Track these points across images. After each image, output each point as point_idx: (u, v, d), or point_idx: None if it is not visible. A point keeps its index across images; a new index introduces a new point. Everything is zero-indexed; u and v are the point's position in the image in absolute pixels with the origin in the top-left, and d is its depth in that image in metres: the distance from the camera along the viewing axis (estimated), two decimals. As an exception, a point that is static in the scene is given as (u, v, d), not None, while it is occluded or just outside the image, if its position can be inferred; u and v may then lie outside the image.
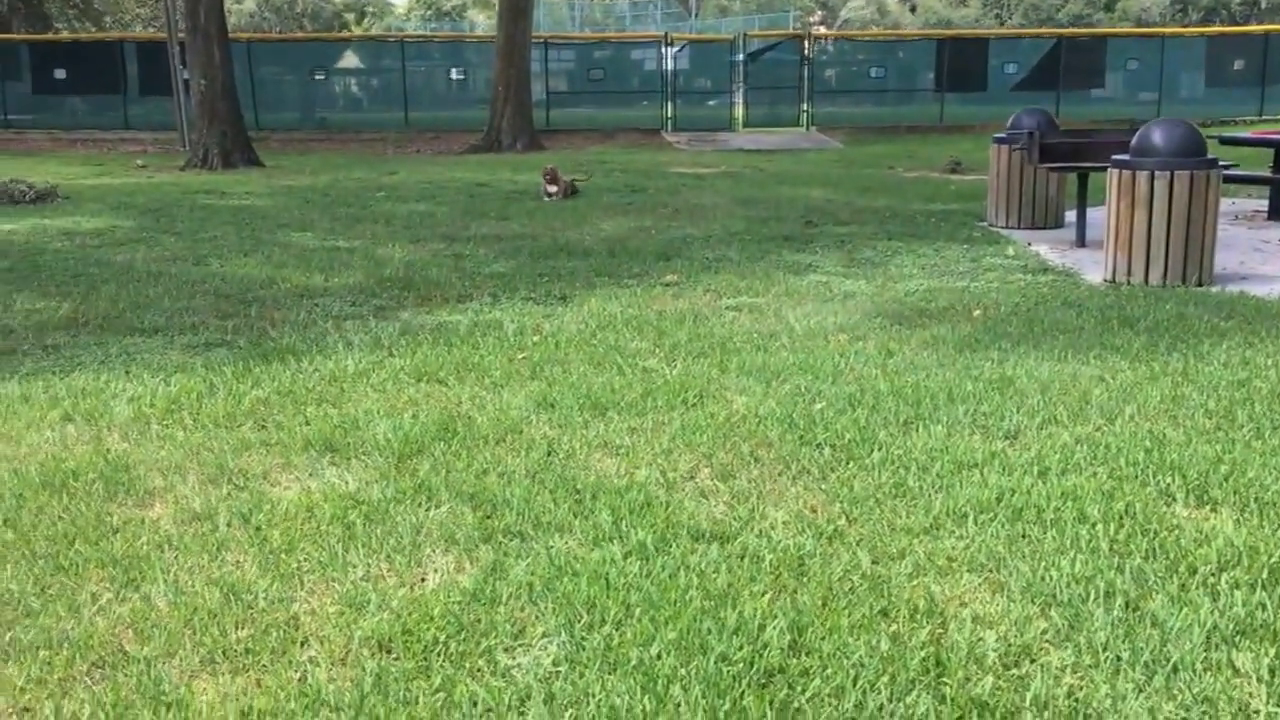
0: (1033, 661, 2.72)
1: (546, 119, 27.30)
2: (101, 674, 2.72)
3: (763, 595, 3.05)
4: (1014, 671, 2.68)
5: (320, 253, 9.50)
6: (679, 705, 2.52)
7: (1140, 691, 2.59)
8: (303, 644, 2.86)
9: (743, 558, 3.30)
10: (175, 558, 3.37)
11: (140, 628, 2.94)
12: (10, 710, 2.56)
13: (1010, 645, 2.79)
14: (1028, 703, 2.54)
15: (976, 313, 6.69)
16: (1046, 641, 2.82)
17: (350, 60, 31.97)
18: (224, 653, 2.81)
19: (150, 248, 9.76)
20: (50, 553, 3.39)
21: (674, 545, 3.39)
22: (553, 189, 13.21)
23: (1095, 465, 4.02)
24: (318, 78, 29.31)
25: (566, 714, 2.51)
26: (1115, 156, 7.83)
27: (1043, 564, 3.22)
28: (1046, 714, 2.49)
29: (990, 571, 3.21)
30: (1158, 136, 7.62)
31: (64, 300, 7.45)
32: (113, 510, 3.74)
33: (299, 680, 2.67)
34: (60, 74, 27.31)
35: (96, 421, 4.72)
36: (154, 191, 14.70)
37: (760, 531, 3.51)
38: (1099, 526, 3.47)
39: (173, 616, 2.99)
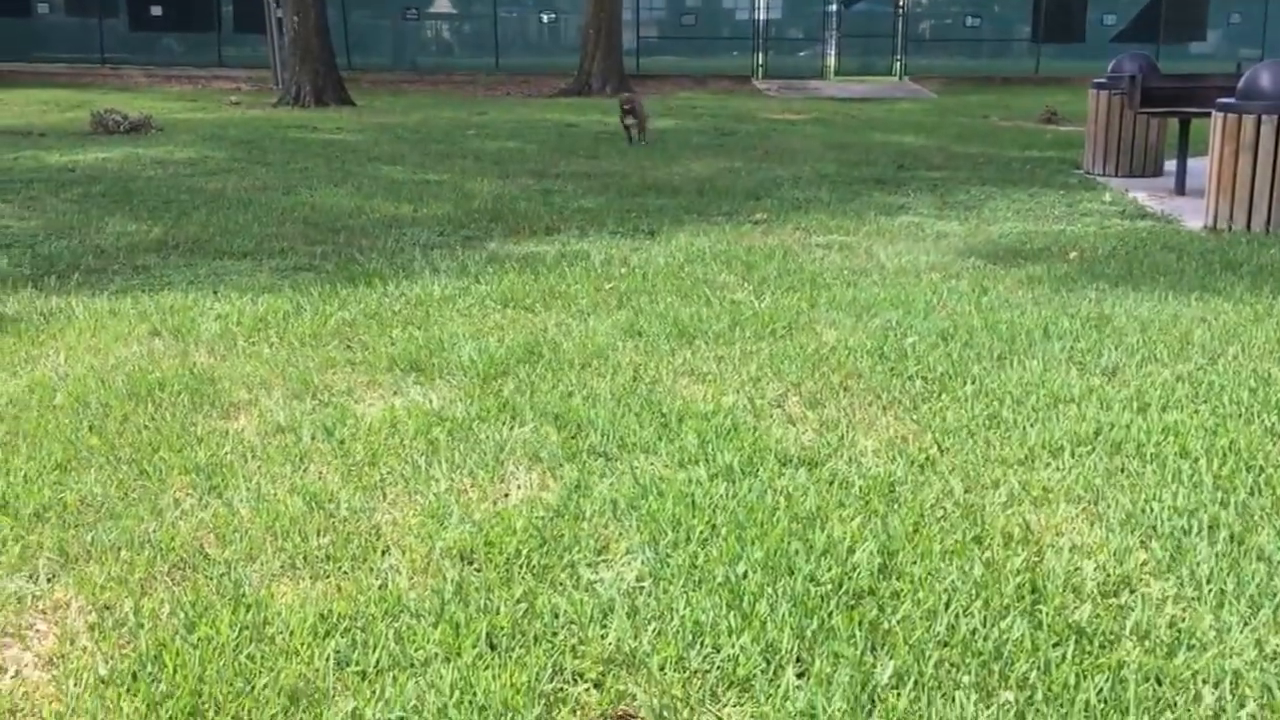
0: (1132, 591, 2.59)
1: (636, 65, 26.99)
2: (182, 575, 2.72)
3: (852, 519, 2.95)
4: (1113, 600, 2.54)
5: (409, 185, 9.49)
6: (765, 622, 2.44)
7: (1245, 624, 2.44)
8: (384, 553, 2.83)
9: (831, 483, 3.20)
10: (258, 467, 3.37)
11: (222, 532, 2.93)
12: (90, 607, 2.56)
13: (1109, 575, 2.65)
14: (1128, 631, 2.41)
15: (1073, 255, 6.44)
16: (1147, 572, 2.68)
17: (442, 4, 31.93)
18: (305, 559, 2.79)
19: (241, 177, 9.84)
20: (134, 459, 3.41)
21: (761, 468, 3.29)
22: (630, 120, 12.87)
23: (1197, 402, 3.83)
24: (410, 20, 29.31)
25: (650, 627, 2.44)
26: (1221, 100, 7.45)
27: (1143, 496, 3.07)
28: (1147, 643, 2.36)
29: (1088, 503, 3.06)
30: (1266, 79, 7.23)
31: (155, 224, 7.53)
32: (197, 421, 3.75)
33: (379, 587, 2.64)
34: (156, 11, 27.64)
35: (184, 337, 4.75)
36: (246, 125, 14.84)
37: (850, 458, 3.40)
38: (1201, 461, 3.30)
39: (254, 523, 2.98)
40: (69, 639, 2.42)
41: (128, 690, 2.21)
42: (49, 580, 2.68)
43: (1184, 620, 2.46)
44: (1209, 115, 7.54)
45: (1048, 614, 2.46)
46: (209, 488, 3.20)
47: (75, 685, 2.24)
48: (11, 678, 2.29)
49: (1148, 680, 2.22)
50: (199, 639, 2.37)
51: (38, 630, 2.48)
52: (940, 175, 10.29)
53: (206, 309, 5.22)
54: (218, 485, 3.22)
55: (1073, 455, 3.36)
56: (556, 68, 26.67)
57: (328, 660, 2.29)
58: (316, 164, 10.81)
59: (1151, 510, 2.97)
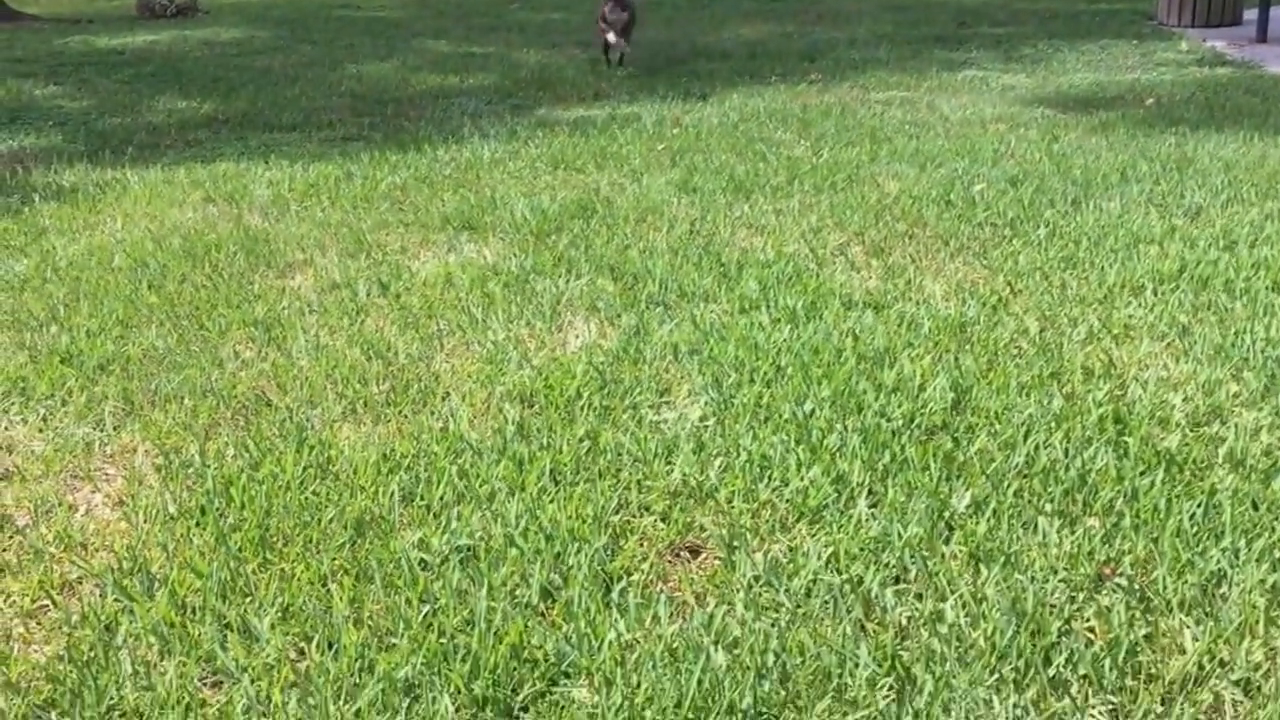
0: (1224, 422, 2.48)
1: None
2: (245, 420, 2.70)
3: (922, 358, 2.85)
4: (1204, 430, 2.44)
5: (455, 58, 9.30)
6: (835, 456, 2.37)
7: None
8: (444, 397, 2.79)
9: (900, 324, 3.09)
10: (316, 320, 3.33)
11: (282, 381, 2.90)
12: (156, 451, 2.55)
13: (1198, 406, 2.54)
14: (1220, 459, 2.31)
15: (1149, 101, 6.16)
16: (1240, 403, 2.56)
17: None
18: (365, 403, 2.76)
19: (287, 55, 9.70)
20: (194, 315, 3.38)
21: (825, 312, 3.19)
22: (611, 37, 8.42)
23: (1290, 240, 3.65)
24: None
25: (716, 463, 2.38)
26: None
27: (1233, 330, 2.93)
28: (1241, 470, 2.26)
29: (1174, 338, 2.93)
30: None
31: (205, 101, 7.45)
32: (254, 279, 3.72)
33: (441, 428, 2.60)
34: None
35: (237, 203, 4.70)
36: (290, 6, 14.61)
37: (917, 301, 3.29)
38: (1298, 296, 3.15)
39: (314, 371, 2.95)
40: (137, 480, 2.41)
41: (196, 524, 2.20)
42: (115, 428, 2.67)
43: None
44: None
45: (1134, 444, 2.36)
46: (268, 340, 3.17)
47: (145, 521, 2.24)
48: (83, 515, 2.30)
49: (1243, 505, 2.13)
50: (264, 476, 2.35)
51: (106, 474, 2.48)
52: (1004, 31, 9.89)
53: (258, 176, 5.16)
54: (276, 338, 3.19)
55: (1155, 293, 3.22)
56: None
57: (392, 495, 2.26)
58: (361, 40, 10.63)
59: (1243, 343, 2.84)
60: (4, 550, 2.17)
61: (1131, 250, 3.59)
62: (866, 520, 2.15)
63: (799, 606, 1.90)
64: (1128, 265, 3.45)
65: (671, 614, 1.90)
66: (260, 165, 5.42)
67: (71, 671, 1.78)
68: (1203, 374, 2.70)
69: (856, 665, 1.74)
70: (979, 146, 5.14)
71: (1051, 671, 1.73)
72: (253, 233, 4.22)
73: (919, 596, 1.93)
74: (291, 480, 2.33)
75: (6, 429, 2.69)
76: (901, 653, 1.78)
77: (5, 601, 2.01)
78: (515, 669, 1.76)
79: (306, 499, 2.26)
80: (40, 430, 2.68)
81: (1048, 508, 2.16)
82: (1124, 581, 1.93)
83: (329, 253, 3.97)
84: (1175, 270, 3.37)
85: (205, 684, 1.78)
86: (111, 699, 1.72)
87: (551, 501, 2.23)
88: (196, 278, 3.73)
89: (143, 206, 4.69)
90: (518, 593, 1.95)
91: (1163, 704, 1.67)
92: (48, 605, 1.99)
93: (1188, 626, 1.82)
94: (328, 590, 1.97)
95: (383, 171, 5.17)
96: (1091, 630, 1.83)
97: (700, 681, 1.71)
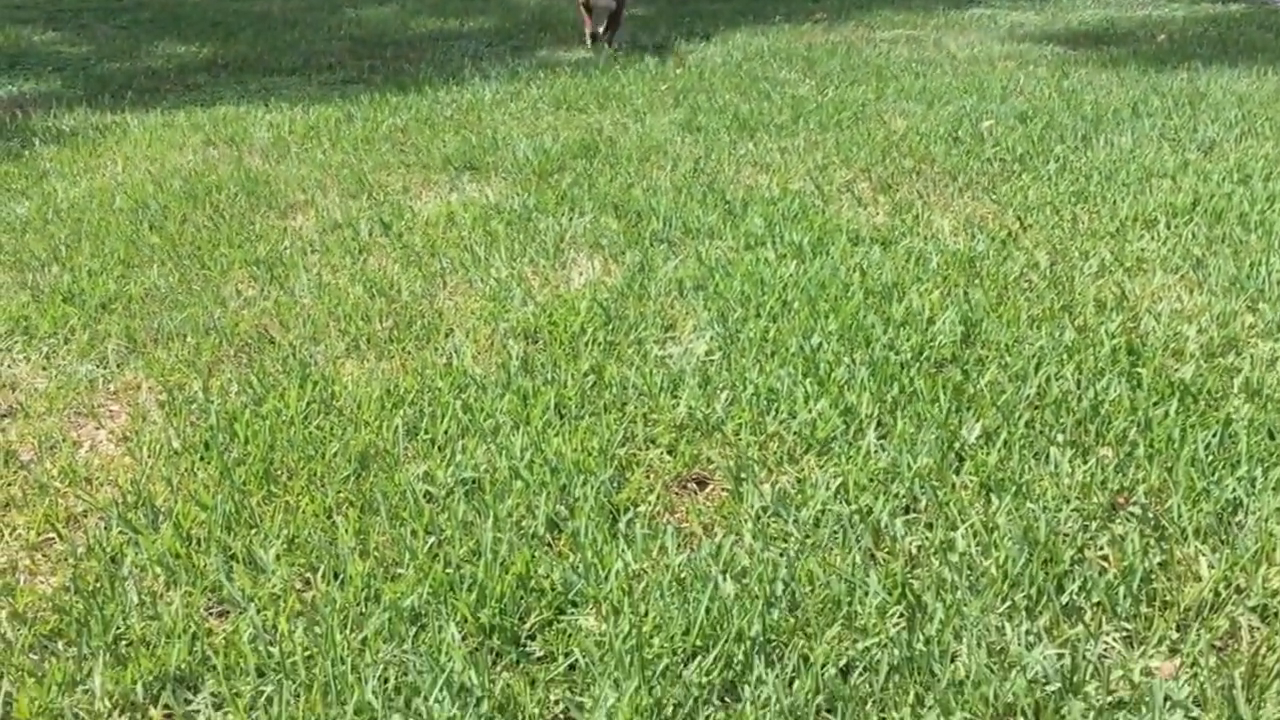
0: (1239, 353, 2.44)
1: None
2: (248, 357, 2.67)
3: (931, 292, 2.81)
4: (1219, 361, 2.40)
5: (454, 1, 9.17)
6: (843, 388, 2.34)
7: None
8: (447, 334, 2.75)
9: (908, 259, 3.05)
10: (318, 259, 3.29)
11: (285, 318, 2.87)
12: (160, 388, 2.52)
13: (1213, 338, 2.50)
14: (1236, 388, 2.27)
15: (1160, 37, 6.06)
16: (1255, 334, 2.52)
17: None
18: (368, 340, 2.72)
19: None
20: (195, 254, 3.34)
21: (832, 247, 3.15)
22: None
23: (1304, 174, 3.59)
24: None
25: (722, 395, 2.35)
26: None
27: (1248, 262, 2.89)
28: (1257, 400, 2.23)
29: (1187, 270, 2.89)
30: None
31: (203, 45, 7.36)
32: (255, 219, 3.67)
33: (445, 364, 2.57)
34: None
35: (237, 145, 4.64)
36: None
37: (926, 236, 3.24)
38: (1313, 229, 3.10)
39: (317, 309, 2.91)
40: (140, 416, 2.38)
41: (201, 459, 2.18)
42: (118, 365, 2.64)
43: (1294, 377, 2.32)
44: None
45: (1147, 375, 2.33)
46: (270, 279, 3.13)
47: (149, 456, 2.21)
48: (87, 450, 2.27)
49: (1259, 434, 2.10)
50: (268, 411, 2.32)
51: (110, 410, 2.45)
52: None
53: (258, 119, 5.10)
54: (279, 276, 3.15)
55: (1169, 226, 3.17)
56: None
57: (396, 430, 2.24)
58: (362, -17, 10.48)
59: (1258, 275, 2.80)
60: (9, 485, 2.15)
61: (1144, 184, 3.54)
62: (875, 451, 2.12)
63: (808, 536, 1.88)
64: (1140, 199, 3.39)
65: (679, 544, 1.88)
66: (260, 108, 5.35)
67: (77, 602, 1.77)
68: (1217, 306, 2.66)
69: (866, 593, 1.72)
70: (987, 84, 5.06)
71: (1064, 599, 1.71)
72: (253, 174, 4.16)
73: (929, 526, 1.90)
74: (295, 415, 2.30)
75: (9, 367, 2.67)
76: (912, 581, 1.76)
77: (11, 535, 1.99)
78: (522, 598, 1.74)
79: (310, 434, 2.24)
80: (43, 368, 2.65)
81: (1060, 438, 2.13)
82: (1138, 510, 1.90)
83: (330, 193, 3.93)
84: (1189, 204, 3.31)
85: (211, 614, 1.76)
86: (118, 628, 1.71)
87: (557, 435, 2.21)
88: (198, 218, 3.68)
89: (143, 150, 4.63)
90: (524, 524, 1.93)
91: (1178, 630, 1.65)
92: (53, 538, 1.97)
93: (1203, 554, 1.79)
94: (333, 522, 1.95)
95: (383, 113, 5.11)
96: (1105, 558, 1.81)
97: (708, 610, 1.69)
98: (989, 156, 3.95)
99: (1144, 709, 1.50)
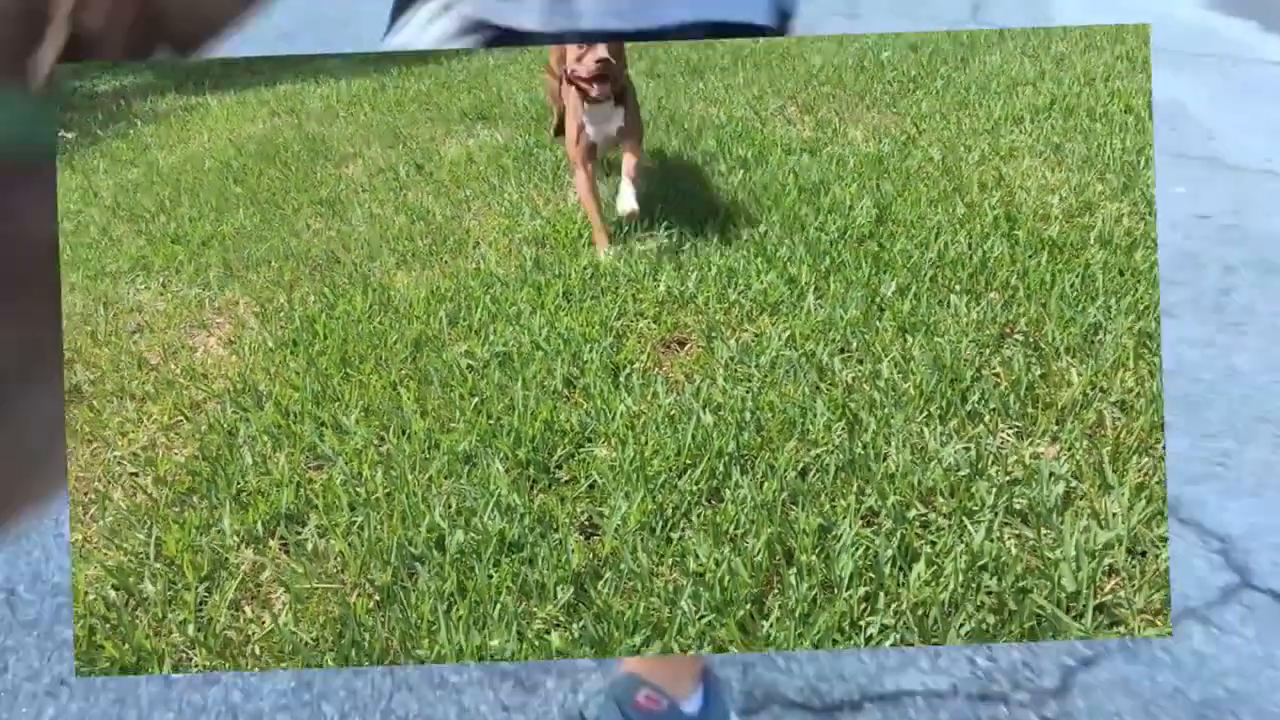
0: (1093, 213, 2.38)
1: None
2: (320, 274, 2.59)
3: (850, 185, 2.73)
4: (1078, 220, 2.34)
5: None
6: (786, 263, 2.28)
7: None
8: (474, 246, 2.67)
9: (830, 162, 2.96)
10: (369, 196, 3.18)
11: (346, 243, 2.78)
12: (254, 302, 2.45)
13: (1072, 204, 2.44)
14: (1092, 240, 2.22)
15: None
16: (1104, 198, 2.46)
17: None
18: (413, 255, 2.64)
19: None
20: (272, 199, 3.23)
21: (770, 157, 3.05)
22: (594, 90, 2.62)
23: (1135, 74, 3.47)
24: None
25: (693, 275, 2.29)
26: None
27: (1096, 145, 2.81)
28: (1109, 247, 2.18)
29: (1049, 154, 2.81)
30: None
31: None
32: (316, 169, 3.54)
33: (475, 268, 2.50)
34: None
35: (296, 114, 4.47)
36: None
37: (843, 144, 3.14)
38: (1144, 114, 3.00)
39: (371, 234, 2.83)
40: (241, 324, 2.32)
41: (290, 352, 2.12)
42: (219, 287, 2.57)
43: (1139, 229, 2.26)
44: None
45: (1023, 235, 2.27)
46: (332, 214, 3.03)
47: (250, 354, 2.16)
48: (201, 354, 2.22)
49: (1112, 273, 2.05)
50: (340, 313, 2.26)
51: (216, 322, 2.39)
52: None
53: (311, 92, 4.91)
54: (339, 211, 3.05)
55: (1033, 121, 3.07)
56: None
57: (441, 320, 2.18)
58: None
59: (1105, 153, 2.72)
60: (145, 383, 2.09)
61: (1011, 91, 3.42)
62: (815, 309, 2.07)
63: (766, 376, 1.84)
64: (1009, 103, 3.28)
65: (667, 389, 1.84)
66: (312, 84, 5.15)
67: (205, 466, 1.73)
68: (1074, 179, 2.59)
69: (815, 415, 1.69)
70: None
71: (968, 408, 1.68)
72: (311, 135, 4.01)
73: (860, 361, 1.87)
74: (361, 314, 2.24)
75: (135, 295, 2.59)
76: (849, 403, 1.73)
77: (149, 420, 1.94)
78: (549, 438, 1.71)
79: (374, 328, 2.18)
80: (161, 294, 2.58)
81: (958, 288, 2.08)
82: (1021, 338, 1.87)
83: (373, 146, 3.79)
84: (1047, 104, 3.21)
85: (310, 467, 1.73)
86: (238, 483, 1.68)
87: (566, 315, 2.15)
88: (271, 172, 3.55)
89: (223, 123, 4.46)
90: (546, 383, 1.89)
91: (1057, 424, 1.63)
92: (182, 420, 1.93)
93: (1074, 366, 1.76)
94: (398, 393, 1.90)
95: (410, 81, 4.91)
96: (997, 375, 1.78)
97: (694, 435, 1.66)
98: (889, 80, 3.82)
99: (1034, 484, 1.48)
